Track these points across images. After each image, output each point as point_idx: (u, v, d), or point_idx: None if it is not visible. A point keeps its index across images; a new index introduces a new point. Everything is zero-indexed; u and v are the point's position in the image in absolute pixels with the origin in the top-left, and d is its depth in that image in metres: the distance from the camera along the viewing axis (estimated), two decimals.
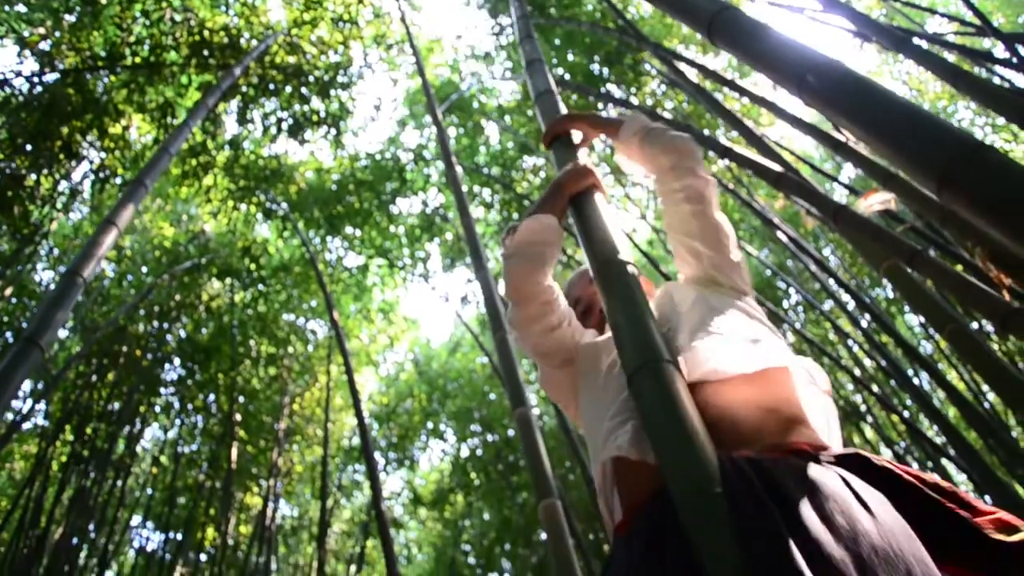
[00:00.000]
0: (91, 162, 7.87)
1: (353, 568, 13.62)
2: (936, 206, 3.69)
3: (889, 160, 1.35)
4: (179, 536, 11.38)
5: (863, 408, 12.72)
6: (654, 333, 1.46)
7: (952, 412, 10.26)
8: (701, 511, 1.16)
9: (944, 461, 10.80)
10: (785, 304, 13.14)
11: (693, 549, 1.10)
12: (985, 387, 10.27)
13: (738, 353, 1.44)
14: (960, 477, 10.79)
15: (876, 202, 3.87)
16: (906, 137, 1.32)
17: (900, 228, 4.33)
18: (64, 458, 10.25)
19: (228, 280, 11.10)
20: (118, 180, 7.97)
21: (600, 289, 1.69)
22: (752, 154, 4.22)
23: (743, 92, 5.97)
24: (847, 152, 4.09)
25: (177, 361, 11.77)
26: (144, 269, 11.19)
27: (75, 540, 9.35)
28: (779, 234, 7.66)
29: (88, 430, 10.37)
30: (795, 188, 3.81)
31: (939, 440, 8.85)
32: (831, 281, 9.72)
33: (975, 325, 9.57)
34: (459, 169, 6.79)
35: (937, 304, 3.76)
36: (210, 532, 11.81)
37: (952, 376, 10.31)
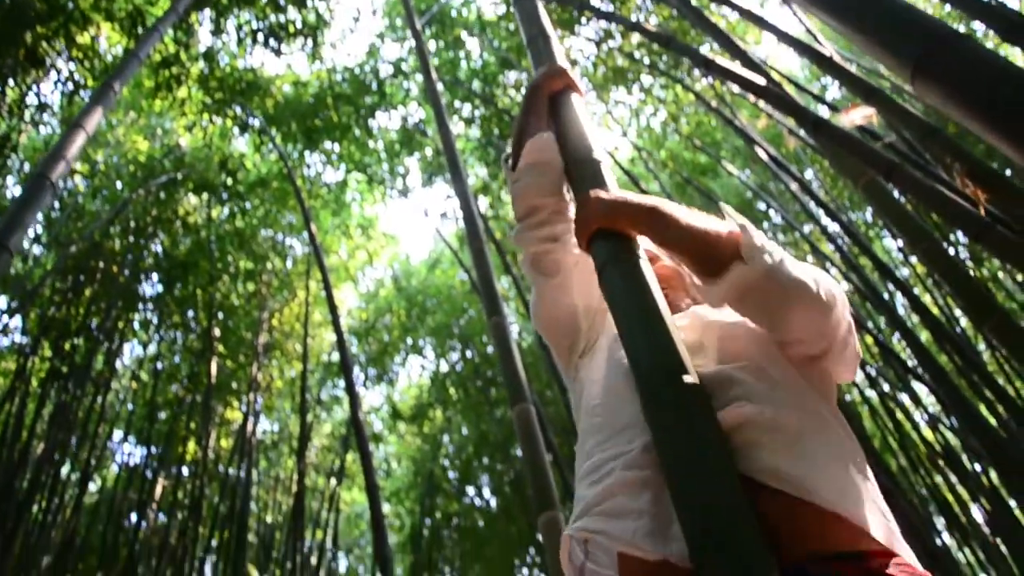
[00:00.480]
0: (59, 72, 7.66)
1: (333, 481, 13.85)
2: (917, 122, 3.69)
3: (865, 50, 1.34)
4: (160, 450, 11.49)
5: None
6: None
7: (925, 336, 10.44)
8: (670, 399, 1.18)
9: (914, 384, 11.07)
10: (765, 225, 13.19)
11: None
12: (958, 312, 10.46)
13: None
14: (929, 399, 11.04)
15: (857, 116, 3.85)
16: (882, 26, 1.31)
17: (879, 144, 4.32)
18: (43, 374, 10.24)
19: (205, 195, 10.96)
20: (88, 93, 7.77)
21: (572, 188, 1.68)
22: (736, 67, 4.16)
23: (731, 6, 5.86)
24: (831, 67, 4.05)
25: (155, 277, 11.70)
26: (119, 184, 11.02)
27: (57, 455, 9.42)
28: (761, 153, 7.64)
29: (67, 346, 10.35)
30: (777, 101, 3.78)
31: (911, 363, 9.02)
32: (811, 203, 9.75)
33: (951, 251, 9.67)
34: (439, 84, 6.68)
35: (913, 221, 3.79)
36: (191, 446, 11.93)
37: (927, 300, 10.43)
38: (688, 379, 1.17)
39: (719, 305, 1.34)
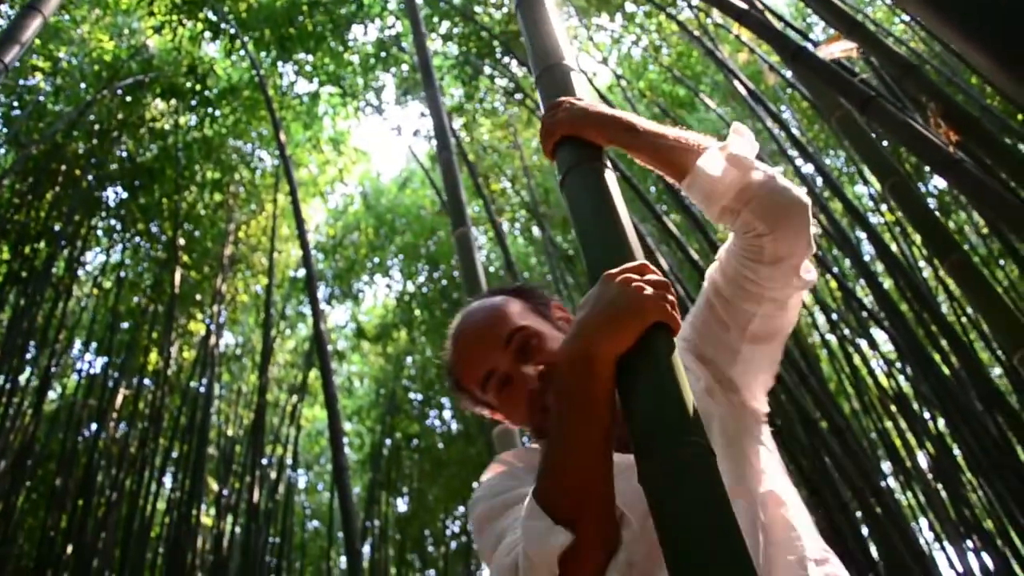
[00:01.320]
0: None
1: (295, 397, 13.89)
2: (896, 58, 3.65)
3: None
4: (121, 360, 11.41)
5: None
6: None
7: (888, 283, 10.57)
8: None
9: (873, 331, 11.26)
10: None
11: None
12: (922, 263, 10.59)
13: None
14: (887, 346, 11.25)
15: (838, 49, 3.81)
16: None
17: (856, 79, 4.28)
18: (1, 278, 10.06)
19: (172, 101, 10.67)
20: None
21: (541, 95, 1.63)
22: None
23: None
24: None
25: (119, 183, 11.44)
26: (83, 85, 10.67)
27: (15, 361, 9.31)
28: (740, 88, 7.58)
29: (26, 249, 10.15)
30: (758, 27, 3.72)
31: (873, 309, 9.15)
32: (787, 144, 9.73)
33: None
34: None
35: (883, 156, 3.79)
36: (152, 357, 11.86)
37: (893, 249, 10.54)
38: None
39: (717, 211, 1.31)
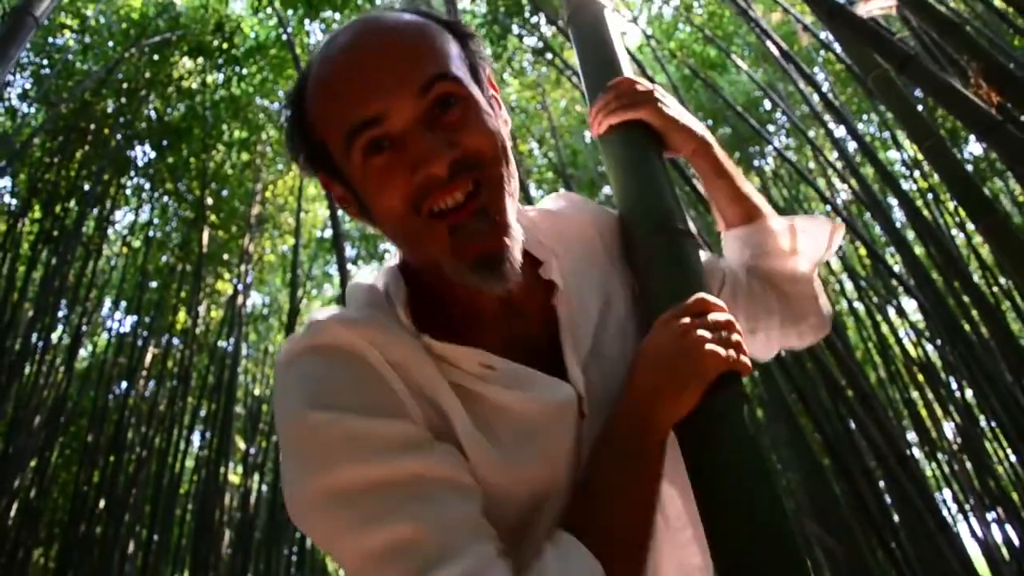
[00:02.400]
0: None
1: None
2: (936, 15, 3.55)
3: None
4: (150, 319, 11.56)
5: None
6: (620, 65, 1.38)
7: (919, 251, 10.44)
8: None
9: (903, 299, 11.13)
10: (771, 128, 12.99)
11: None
12: (955, 230, 10.43)
13: None
14: (916, 316, 11.13)
15: (876, 6, 3.71)
16: None
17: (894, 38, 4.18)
18: (32, 237, 10.18)
19: (200, 59, 10.65)
20: None
21: (573, 36, 1.58)
22: None
23: None
24: None
25: (147, 142, 11.50)
26: (110, 43, 10.68)
27: (47, 319, 9.46)
28: (772, 49, 7.43)
29: (57, 209, 10.26)
30: None
31: (903, 276, 9.03)
32: (819, 106, 9.57)
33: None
34: None
35: (921, 118, 3.69)
36: (181, 316, 12.00)
37: (925, 215, 10.41)
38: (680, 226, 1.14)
39: (750, 262, 1.31)
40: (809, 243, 1.31)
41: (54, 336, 10.32)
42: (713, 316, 0.94)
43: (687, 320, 0.94)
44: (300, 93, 0.99)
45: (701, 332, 0.91)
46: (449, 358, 0.94)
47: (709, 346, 0.90)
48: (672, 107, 1.26)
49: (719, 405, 0.91)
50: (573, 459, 0.94)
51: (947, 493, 11.79)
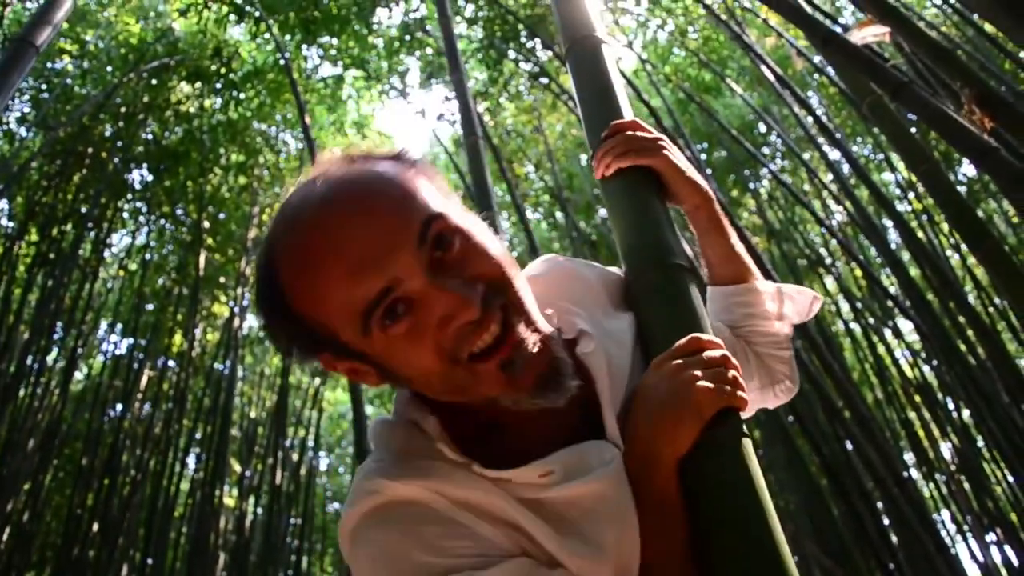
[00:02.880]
0: None
1: (317, 380, 14.00)
2: (930, 43, 3.59)
3: None
4: (146, 341, 11.54)
5: (828, 260, 12.96)
6: (622, 109, 1.39)
7: (914, 272, 10.48)
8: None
9: (899, 320, 11.17)
10: (766, 150, 13.06)
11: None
12: (949, 251, 10.48)
13: None
14: (912, 336, 11.15)
15: (870, 34, 3.75)
16: None
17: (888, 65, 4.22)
18: (29, 260, 10.19)
19: (198, 83, 10.71)
20: None
21: (571, 68, 1.60)
22: None
23: None
24: None
25: (144, 166, 11.54)
26: (109, 68, 10.74)
27: (43, 341, 9.44)
28: (767, 73, 7.49)
29: (54, 231, 10.27)
30: (787, 10, 3.67)
31: (898, 297, 9.07)
32: (814, 129, 9.64)
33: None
34: None
35: (915, 143, 3.73)
36: (177, 339, 11.99)
37: (920, 236, 10.46)
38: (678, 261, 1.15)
39: (737, 320, 1.30)
40: (792, 310, 1.32)
41: (49, 358, 10.30)
42: (708, 354, 0.93)
43: (680, 361, 0.93)
44: (271, 279, 0.88)
45: (694, 371, 0.90)
46: (506, 480, 0.90)
47: (702, 383, 0.89)
48: (680, 158, 1.25)
49: (717, 440, 0.90)
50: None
51: (945, 514, 11.77)
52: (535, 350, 0.87)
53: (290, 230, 0.87)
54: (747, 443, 0.92)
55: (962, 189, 11.30)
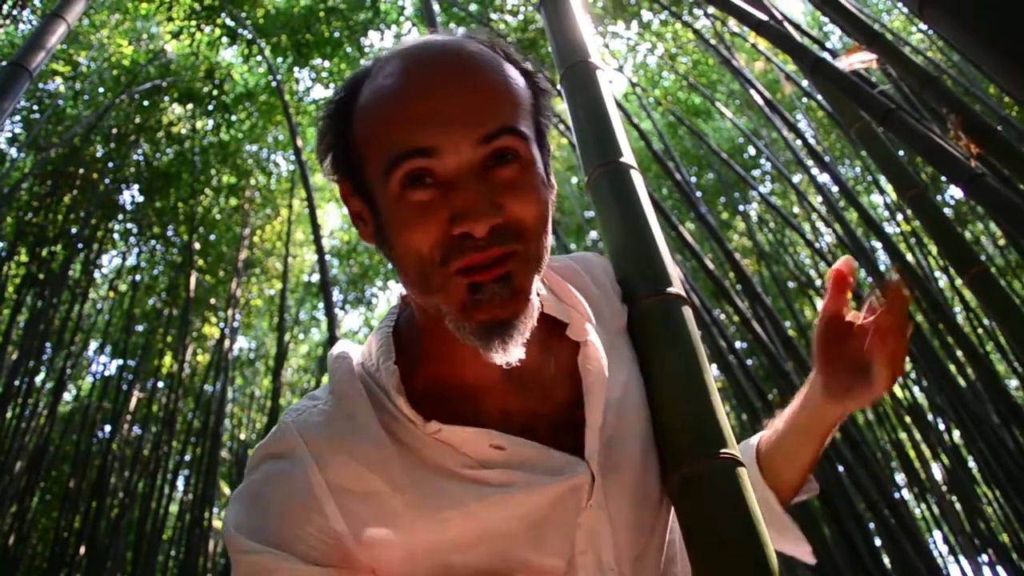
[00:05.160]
0: None
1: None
2: (916, 69, 3.64)
3: None
4: (136, 363, 11.50)
5: (818, 282, 13.01)
6: (616, 134, 1.41)
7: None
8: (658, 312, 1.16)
9: None
10: (756, 172, 13.15)
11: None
12: (937, 272, 10.54)
13: None
14: None
15: (857, 60, 3.79)
16: None
17: (876, 91, 4.27)
18: (19, 280, 10.15)
19: (190, 105, 10.74)
20: None
21: (565, 94, 1.63)
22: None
23: None
24: (832, 6, 3.97)
25: (136, 187, 11.55)
26: (101, 89, 10.77)
27: (32, 362, 9.38)
28: (756, 97, 7.56)
29: (43, 252, 10.24)
30: (776, 37, 3.71)
31: None
32: (803, 152, 9.71)
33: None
34: (435, 2, 6.51)
35: (903, 168, 3.77)
36: (167, 360, 11.95)
37: (909, 258, 10.52)
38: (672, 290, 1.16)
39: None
40: (789, 548, 1.24)
41: (38, 379, 10.24)
42: None
43: None
44: (352, 93, 0.91)
45: None
46: (455, 442, 0.90)
47: None
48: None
49: (714, 470, 0.93)
50: (561, 547, 0.91)
51: (937, 535, 11.76)
52: (508, 296, 0.84)
53: (390, 64, 0.89)
54: (742, 471, 0.93)
55: (949, 211, 11.40)
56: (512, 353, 0.86)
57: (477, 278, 0.83)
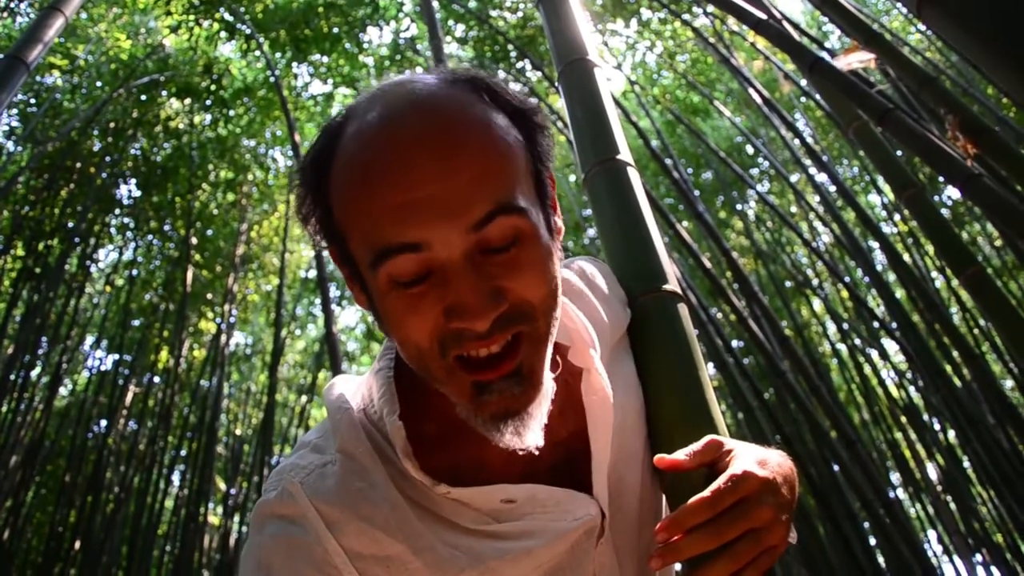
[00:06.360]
0: None
1: (304, 398, 13.93)
2: (914, 69, 3.64)
3: None
4: (132, 358, 11.48)
5: (815, 282, 13.03)
6: (614, 132, 1.42)
7: (900, 293, 10.55)
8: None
9: (885, 341, 11.22)
10: (754, 172, 13.15)
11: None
12: (934, 273, 10.56)
13: None
14: (898, 357, 11.21)
15: (855, 60, 3.80)
16: None
17: (874, 90, 4.27)
18: (15, 274, 10.13)
19: (187, 100, 10.72)
20: None
21: (563, 91, 1.62)
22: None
23: None
24: (831, 6, 3.97)
25: (133, 181, 11.52)
26: (99, 83, 10.74)
27: (27, 356, 9.37)
28: (754, 95, 7.56)
29: (40, 246, 10.22)
30: (774, 36, 3.71)
31: (884, 319, 9.12)
32: (801, 152, 9.72)
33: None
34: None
35: (900, 168, 3.77)
36: (163, 355, 11.93)
37: (905, 259, 10.55)
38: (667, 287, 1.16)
39: None
40: None
41: (33, 373, 10.22)
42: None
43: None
44: (327, 152, 0.82)
45: None
46: (466, 501, 0.88)
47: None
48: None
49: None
50: None
51: (932, 535, 11.79)
52: (518, 390, 0.80)
53: (363, 126, 0.79)
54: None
55: (947, 212, 11.41)
56: (528, 439, 0.82)
57: (482, 377, 0.79)
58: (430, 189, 0.74)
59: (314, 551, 0.84)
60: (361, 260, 0.80)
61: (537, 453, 0.86)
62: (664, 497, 0.98)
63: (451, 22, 9.98)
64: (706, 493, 0.81)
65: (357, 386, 0.98)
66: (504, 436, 0.81)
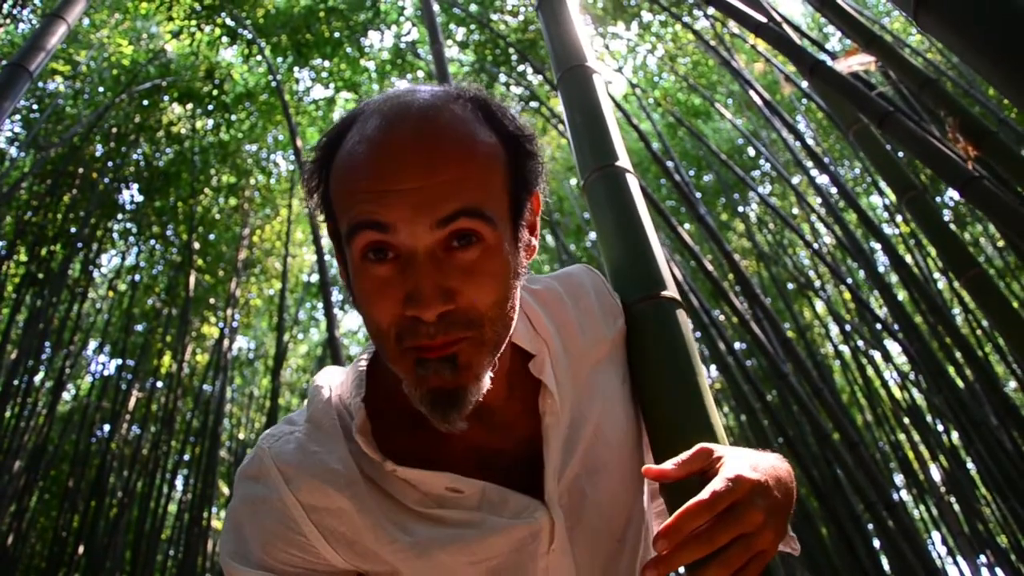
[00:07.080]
0: None
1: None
2: (914, 71, 3.64)
3: None
4: (135, 362, 11.50)
5: (817, 283, 13.02)
6: (612, 138, 1.42)
7: (902, 295, 10.55)
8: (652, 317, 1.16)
9: (887, 343, 11.22)
10: (755, 174, 13.15)
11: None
12: (936, 274, 10.56)
13: None
14: (901, 358, 11.21)
15: (855, 63, 3.80)
16: None
17: (873, 93, 4.28)
18: (18, 279, 10.15)
19: (189, 105, 10.74)
20: None
21: (562, 97, 1.64)
22: (737, 1, 4.08)
23: None
24: (832, 9, 3.98)
25: (135, 186, 11.54)
26: (101, 88, 10.76)
27: (31, 361, 9.38)
28: (754, 97, 7.56)
29: (43, 251, 10.24)
30: (775, 39, 3.71)
31: (887, 320, 9.11)
32: (802, 154, 9.72)
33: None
34: (434, 3, 6.51)
35: (901, 171, 3.77)
36: (166, 360, 11.95)
37: (907, 260, 10.54)
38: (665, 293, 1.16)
39: None
40: None
41: (37, 379, 10.23)
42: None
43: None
44: (338, 138, 0.91)
45: None
46: (413, 482, 0.95)
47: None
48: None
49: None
50: None
51: (936, 536, 11.77)
52: (450, 375, 0.85)
53: (366, 124, 0.88)
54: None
55: (948, 213, 11.40)
56: (455, 423, 0.87)
57: (424, 355, 0.85)
58: (409, 184, 0.82)
59: (275, 505, 0.93)
60: (343, 234, 0.87)
61: (494, 453, 0.98)
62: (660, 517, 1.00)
63: (452, 26, 10.00)
64: (703, 496, 0.81)
65: (339, 375, 1.06)
66: (436, 414, 0.87)
